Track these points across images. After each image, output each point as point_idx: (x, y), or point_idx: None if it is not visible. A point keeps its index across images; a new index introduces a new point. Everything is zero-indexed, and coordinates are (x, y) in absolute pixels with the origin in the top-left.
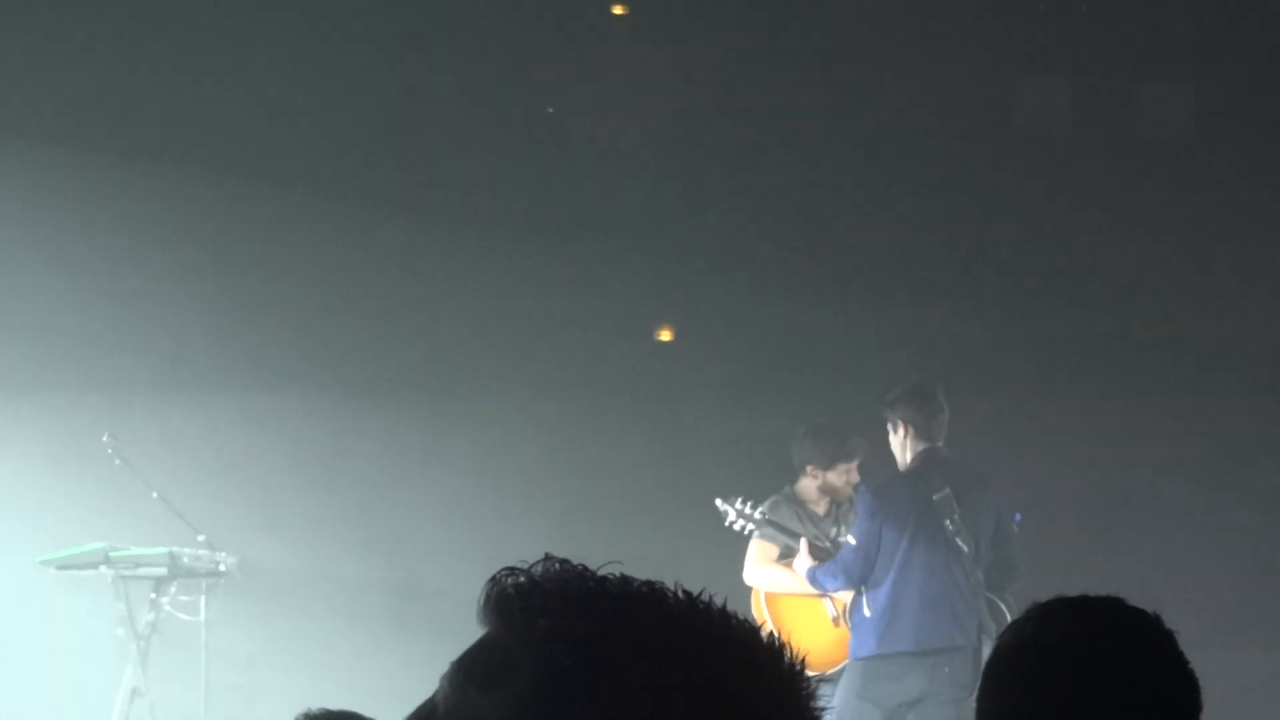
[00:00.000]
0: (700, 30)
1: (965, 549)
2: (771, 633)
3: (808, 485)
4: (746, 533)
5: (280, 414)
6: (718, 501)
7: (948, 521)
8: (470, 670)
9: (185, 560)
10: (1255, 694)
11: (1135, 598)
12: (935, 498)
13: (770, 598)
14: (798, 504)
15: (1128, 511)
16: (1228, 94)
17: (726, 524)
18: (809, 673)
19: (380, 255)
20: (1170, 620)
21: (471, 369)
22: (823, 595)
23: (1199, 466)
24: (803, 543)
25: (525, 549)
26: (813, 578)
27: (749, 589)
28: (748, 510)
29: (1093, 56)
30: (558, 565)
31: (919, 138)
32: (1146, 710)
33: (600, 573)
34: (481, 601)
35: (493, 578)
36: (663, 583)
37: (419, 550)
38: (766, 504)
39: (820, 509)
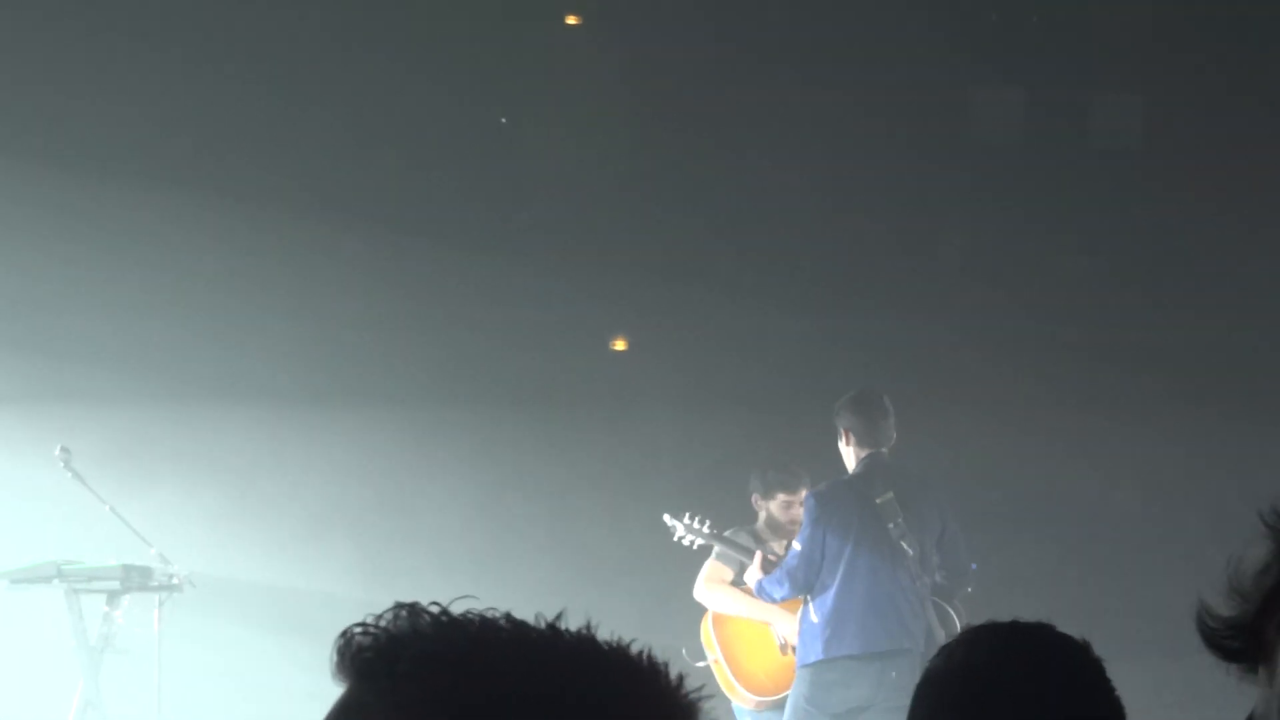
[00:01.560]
0: (655, 39)
1: (910, 552)
2: (653, 658)
3: (761, 523)
4: (695, 547)
5: (233, 426)
6: (665, 517)
7: (891, 525)
8: None
9: (138, 574)
10: (1206, 701)
11: (1084, 605)
12: (878, 501)
13: (718, 619)
14: (759, 542)
15: (1078, 518)
16: (1177, 103)
17: (675, 539)
18: (704, 704)
19: (336, 266)
20: (1120, 627)
21: (428, 379)
22: (769, 612)
23: (1150, 473)
24: (756, 555)
25: (481, 562)
26: (759, 588)
27: (699, 605)
28: (695, 525)
29: (1043, 67)
30: (407, 615)
31: (873, 147)
32: None
33: (457, 616)
34: (335, 660)
35: (343, 634)
36: (524, 621)
37: (372, 562)
38: (729, 533)
39: (780, 549)
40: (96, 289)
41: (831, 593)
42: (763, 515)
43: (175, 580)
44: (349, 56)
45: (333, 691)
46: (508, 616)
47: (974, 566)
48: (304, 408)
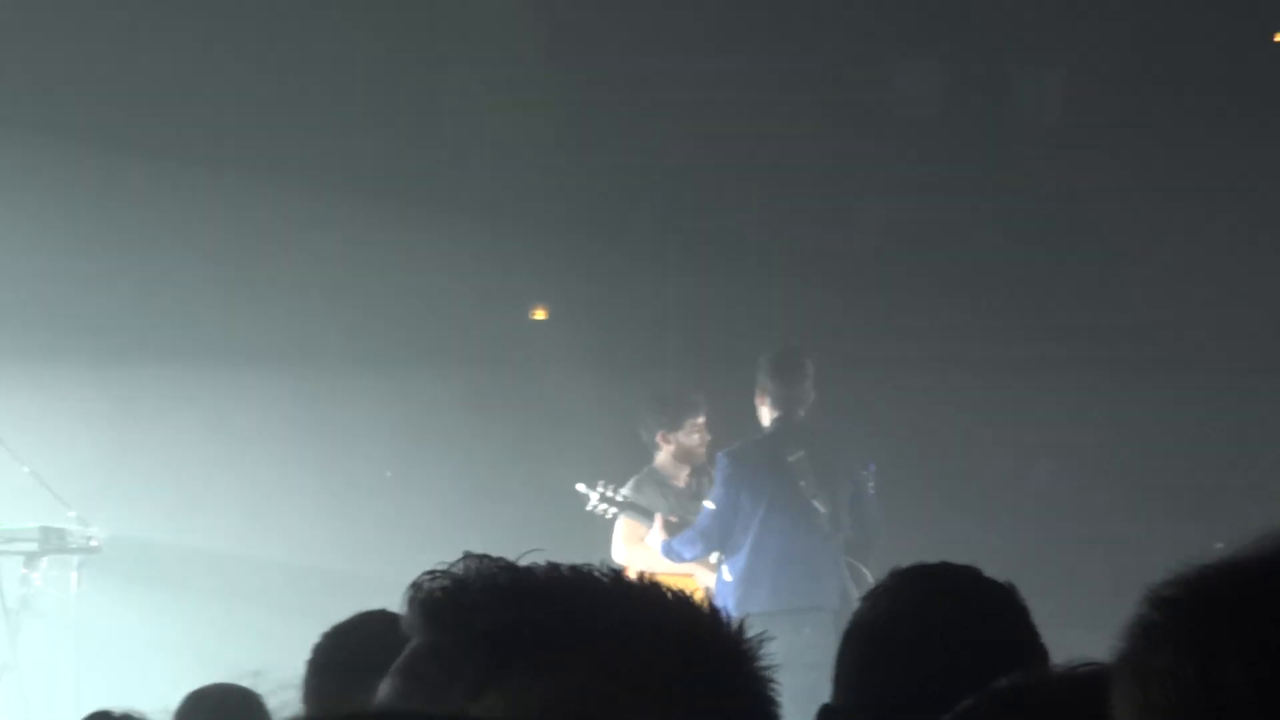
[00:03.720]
0: (579, 6)
1: (822, 510)
2: (709, 602)
3: (664, 458)
4: (610, 516)
5: (152, 388)
6: (579, 485)
7: (802, 483)
8: (411, 677)
9: (56, 536)
10: None
11: (1000, 577)
12: (790, 459)
13: (642, 575)
14: (659, 480)
15: (992, 491)
16: (1099, 77)
17: (588, 508)
18: (756, 639)
19: (253, 229)
20: (1031, 601)
21: (345, 344)
22: (690, 564)
23: (1063, 447)
24: (656, 518)
25: (398, 525)
26: (668, 549)
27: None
28: (609, 493)
29: (965, 40)
30: (478, 562)
31: (793, 117)
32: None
33: (523, 563)
34: (408, 609)
35: (415, 583)
36: (589, 565)
37: (288, 526)
38: (630, 483)
39: (680, 482)
40: (14, 248)
41: (744, 551)
42: (669, 449)
43: (94, 543)
44: (269, 12)
45: (252, 653)
46: (575, 565)
47: (871, 467)
48: (222, 369)
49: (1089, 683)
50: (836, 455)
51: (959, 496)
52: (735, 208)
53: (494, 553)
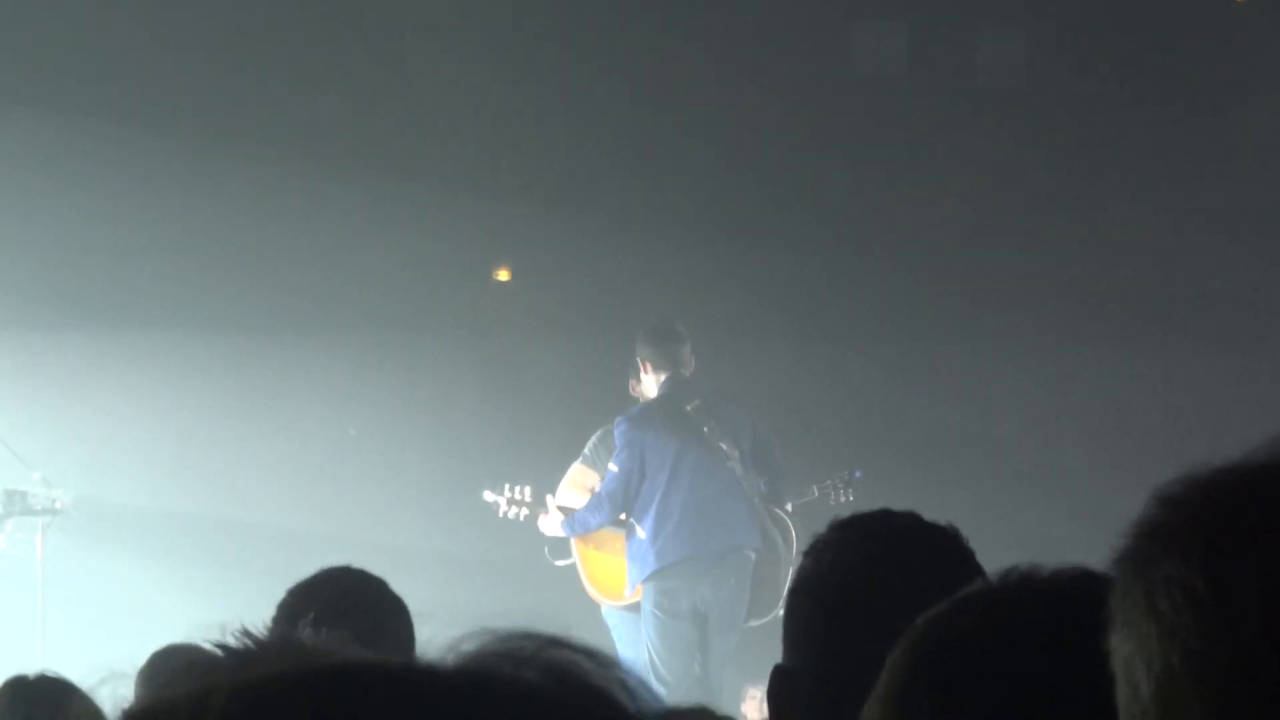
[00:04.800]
0: None
1: (731, 451)
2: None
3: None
4: (522, 519)
5: (117, 350)
6: (485, 494)
7: (706, 429)
8: None
9: (20, 498)
10: None
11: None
12: (688, 409)
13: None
14: None
15: (962, 452)
16: (1060, 40)
17: (500, 515)
18: None
19: (217, 194)
20: (1001, 558)
21: (309, 308)
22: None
23: (1029, 407)
24: (549, 501)
25: (363, 492)
26: (571, 524)
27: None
28: (517, 495)
29: (927, 3)
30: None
31: (755, 79)
32: None
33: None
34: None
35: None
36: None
37: (255, 488)
38: (596, 435)
39: None
40: None
41: (654, 506)
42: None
43: (58, 505)
44: None
45: (218, 615)
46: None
47: (858, 474)
48: (186, 333)
49: (1074, 584)
50: (729, 404)
51: (926, 457)
52: (697, 169)
53: (462, 520)
